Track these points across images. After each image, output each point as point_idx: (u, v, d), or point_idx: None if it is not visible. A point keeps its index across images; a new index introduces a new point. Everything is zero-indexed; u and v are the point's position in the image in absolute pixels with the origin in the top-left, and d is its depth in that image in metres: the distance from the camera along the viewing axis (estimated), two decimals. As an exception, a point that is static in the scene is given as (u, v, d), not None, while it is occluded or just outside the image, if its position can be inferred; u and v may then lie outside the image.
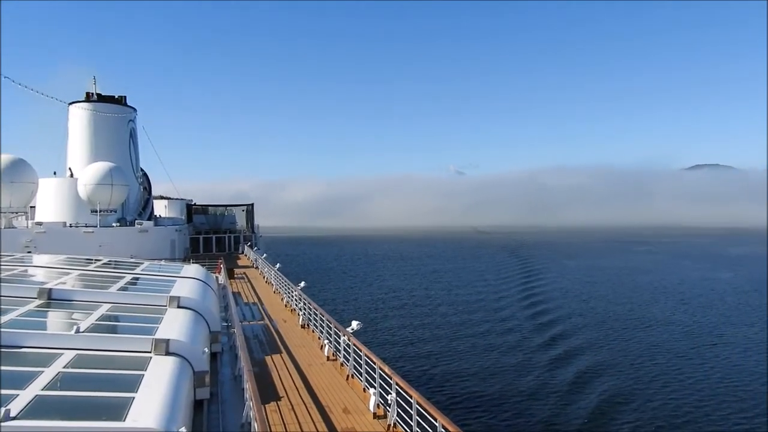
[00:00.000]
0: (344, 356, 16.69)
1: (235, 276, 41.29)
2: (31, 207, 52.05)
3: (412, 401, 11.20)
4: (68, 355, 9.63)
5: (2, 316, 11.29)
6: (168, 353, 10.59)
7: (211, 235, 68.41)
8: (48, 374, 8.49)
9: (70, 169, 54.36)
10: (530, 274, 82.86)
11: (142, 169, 60.78)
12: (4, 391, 7.35)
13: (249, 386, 10.54)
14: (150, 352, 10.51)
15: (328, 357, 18.21)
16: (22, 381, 7.96)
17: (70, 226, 48.99)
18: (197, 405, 11.38)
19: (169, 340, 10.87)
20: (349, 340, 16.19)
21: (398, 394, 12.02)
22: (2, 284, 14.39)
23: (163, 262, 29.54)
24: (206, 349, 12.54)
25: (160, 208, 66.14)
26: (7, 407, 6.71)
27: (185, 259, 48.68)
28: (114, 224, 50.39)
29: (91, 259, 24.23)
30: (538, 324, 46.30)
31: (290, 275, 33.64)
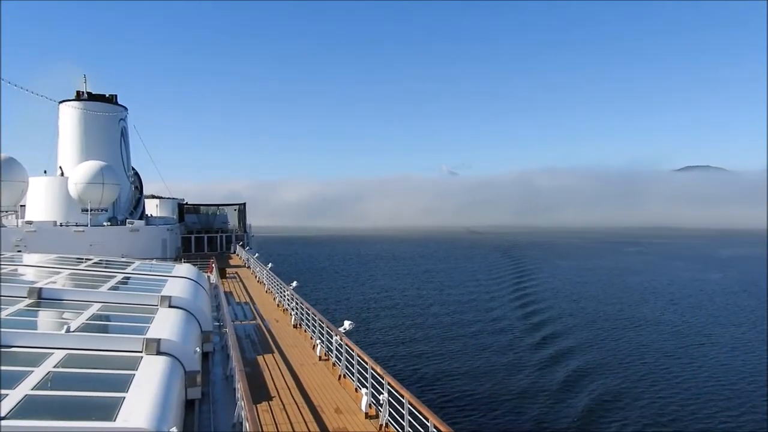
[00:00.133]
0: (336, 356, 16.69)
1: (227, 275, 41.17)
2: (21, 206, 51.65)
3: (404, 401, 11.23)
4: (58, 355, 9.58)
5: (-8, 316, 11.22)
6: (159, 353, 10.57)
7: (203, 234, 68.14)
8: (38, 374, 8.46)
9: (60, 167, 54.00)
10: (522, 274, 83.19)
11: (133, 168, 60.46)
12: (-7, 391, 7.31)
13: (240, 386, 10.53)
14: (141, 352, 10.48)
15: (320, 357, 18.20)
16: (11, 380, 7.92)
17: (61, 225, 48.67)
18: (188, 405, 11.35)
19: (160, 339, 10.85)
20: (341, 339, 16.19)
21: (390, 393, 12.03)
22: (-8, 283, 14.30)
23: (154, 262, 29.43)
24: (198, 349, 12.51)
25: (151, 208, 65.86)
26: (-3, 407, 6.69)
27: (177, 259, 48.47)
28: (105, 223, 50.10)
29: (82, 259, 24.11)
30: (529, 324, 46.50)
31: (282, 275, 33.59)
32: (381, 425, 12.24)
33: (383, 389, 12.21)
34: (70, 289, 15.88)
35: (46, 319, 13.16)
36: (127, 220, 52.05)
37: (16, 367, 8.76)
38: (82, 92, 55.48)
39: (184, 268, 23.58)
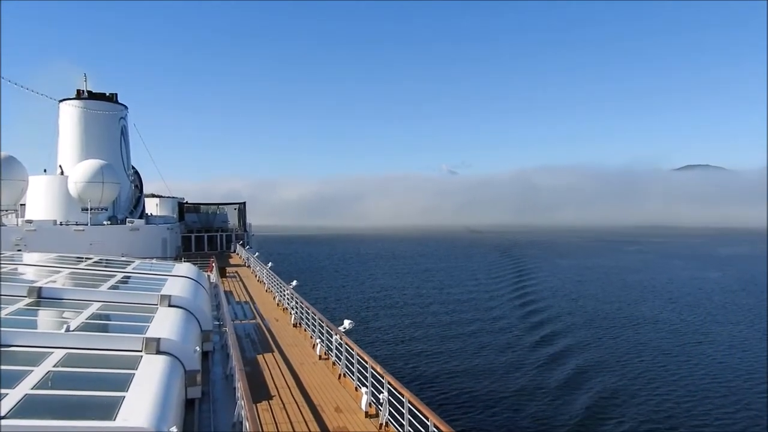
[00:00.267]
0: (336, 355, 16.69)
1: (227, 275, 41.15)
2: (21, 205, 51.63)
3: (403, 400, 11.22)
4: (58, 354, 9.58)
5: (-9, 315, 11.21)
6: (159, 352, 10.56)
7: (203, 233, 68.13)
8: (38, 373, 8.45)
9: (60, 166, 53.97)
10: (522, 273, 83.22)
11: (133, 167, 60.43)
12: (-7, 391, 7.31)
13: (240, 385, 10.52)
14: (141, 351, 10.48)
15: (320, 356, 18.19)
16: (11, 380, 7.92)
17: (61, 224, 48.67)
18: (188, 404, 11.35)
19: (160, 339, 10.84)
20: (341, 338, 16.18)
21: (390, 392, 12.03)
22: (-9, 282, 14.29)
23: (154, 261, 29.43)
24: (198, 348, 12.50)
25: (151, 207, 65.84)
26: (-3, 406, 6.68)
27: (177, 258, 48.47)
28: (105, 222, 50.09)
29: (82, 258, 24.10)
30: (528, 323, 46.54)
31: (282, 274, 33.58)
32: (381, 424, 12.24)
33: (383, 388, 12.20)
34: (70, 288, 15.88)
35: (45, 318, 13.16)
36: (127, 219, 52.03)
37: (15, 366, 8.75)
38: (83, 91, 55.45)
39: (184, 268, 23.58)
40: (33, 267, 20.20)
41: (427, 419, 10.03)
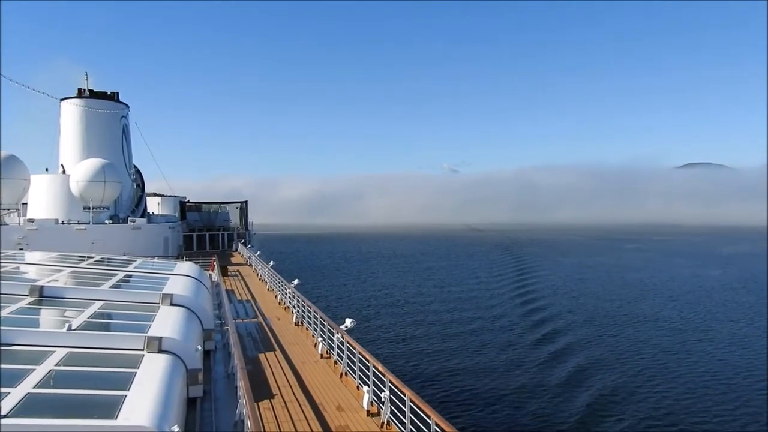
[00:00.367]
0: (338, 354, 16.70)
1: (229, 273, 41.17)
2: (23, 204, 51.70)
3: (405, 399, 11.23)
4: (60, 353, 9.59)
5: (-7, 314, 11.22)
6: (161, 351, 10.57)
7: (205, 232, 68.19)
8: (39, 372, 8.46)
9: (62, 165, 54.02)
10: (523, 271, 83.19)
11: (135, 166, 60.47)
12: (-5, 389, 7.31)
13: (242, 384, 10.52)
14: (142, 350, 10.48)
15: (321, 355, 18.20)
16: (13, 379, 7.92)
17: (63, 223, 48.73)
18: (190, 403, 11.35)
19: (161, 337, 10.85)
20: (342, 337, 16.18)
21: (391, 391, 12.04)
22: (-7, 281, 14.31)
23: (156, 260, 29.44)
24: (199, 347, 12.50)
25: (153, 206, 65.87)
26: (-1, 405, 6.69)
27: (178, 257, 48.53)
28: (107, 221, 50.15)
29: (84, 257, 24.12)
30: (529, 321, 46.54)
31: (284, 273, 33.58)
32: (383, 423, 12.24)
33: (385, 387, 12.21)
34: (72, 287, 15.89)
35: (47, 317, 13.17)
36: (129, 218, 52.09)
37: (17, 365, 8.76)
38: (84, 90, 55.47)
39: (186, 266, 23.59)
40: (35, 266, 20.22)
41: (429, 418, 10.03)
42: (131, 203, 56.78)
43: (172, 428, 7.47)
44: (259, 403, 13.13)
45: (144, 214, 57.80)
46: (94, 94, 55.58)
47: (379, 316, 49.33)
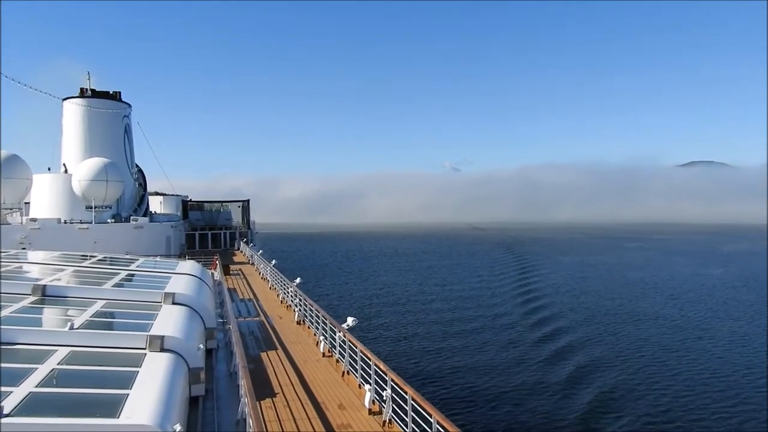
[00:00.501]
0: (340, 352, 16.71)
1: (231, 272, 41.21)
2: (25, 203, 51.81)
3: (407, 397, 11.24)
4: (62, 352, 9.61)
5: (-4, 313, 11.25)
6: (163, 350, 10.59)
7: (207, 231, 68.23)
8: (42, 371, 8.48)
9: (64, 164, 54.12)
10: (524, 270, 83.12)
11: (137, 165, 60.56)
12: (-2, 388, 7.34)
13: (244, 383, 10.54)
14: (145, 349, 10.51)
15: (323, 353, 18.21)
16: (16, 378, 7.95)
17: (65, 223, 48.83)
18: (192, 401, 11.37)
19: (164, 336, 10.87)
20: (344, 336, 16.20)
21: (393, 390, 12.04)
22: (-4, 281, 14.34)
23: (158, 259, 29.50)
24: (201, 346, 12.54)
25: (155, 205, 65.97)
26: (1, 404, 6.71)
27: (181, 256, 48.59)
28: (109, 220, 50.24)
29: (86, 256, 24.17)
30: (531, 319, 46.54)
31: (286, 271, 33.61)
32: (384, 421, 12.26)
33: (386, 385, 12.22)
34: (74, 286, 15.93)
35: (50, 316, 13.21)
36: (131, 217, 52.17)
37: (20, 364, 8.79)
38: (86, 89, 55.55)
39: (188, 265, 23.61)
40: (37, 265, 20.26)
41: (431, 416, 10.04)
42: (133, 202, 56.87)
43: (174, 427, 7.49)
44: (261, 402, 13.15)
45: (146, 213, 57.90)
46: (96, 94, 55.67)
47: (380, 315, 49.35)
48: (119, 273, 19.37)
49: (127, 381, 8.57)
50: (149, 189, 64.69)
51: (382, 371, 12.71)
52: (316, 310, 20.41)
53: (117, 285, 16.93)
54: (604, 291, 62.65)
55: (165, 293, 15.23)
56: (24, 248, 39.25)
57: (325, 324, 18.77)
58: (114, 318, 13.40)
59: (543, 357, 35.17)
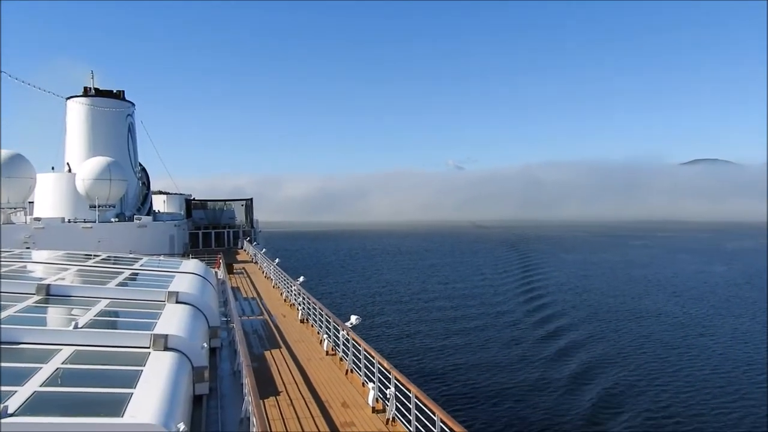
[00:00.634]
0: (343, 351, 16.71)
1: (234, 271, 41.25)
2: (29, 202, 51.98)
3: (410, 395, 11.22)
4: (67, 351, 9.63)
5: (1, 312, 11.28)
6: (167, 349, 10.61)
7: (210, 230, 68.32)
8: (46, 370, 8.50)
9: (68, 164, 54.26)
10: (528, 268, 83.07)
11: (140, 164, 60.67)
12: (2, 388, 7.36)
13: (248, 381, 10.54)
14: (149, 348, 10.52)
15: (327, 351, 18.22)
16: (20, 377, 7.97)
17: (69, 222, 48.96)
18: (196, 400, 11.39)
19: (167, 335, 10.88)
20: (348, 334, 16.20)
21: (397, 388, 12.04)
22: (1, 280, 14.38)
23: (162, 258, 29.56)
24: (205, 345, 12.55)
25: (158, 204, 66.10)
26: (6, 403, 6.73)
27: (184, 255, 48.69)
28: (113, 219, 50.35)
29: (90, 255, 24.22)
30: (534, 317, 46.56)
31: (289, 270, 33.64)
32: (388, 419, 12.25)
33: (390, 383, 12.21)
34: (78, 285, 15.97)
35: (54, 315, 13.24)
36: (135, 216, 52.27)
37: (24, 363, 8.81)
38: (90, 88, 55.65)
39: (192, 264, 23.65)
40: (41, 264, 20.31)
41: (434, 414, 10.03)
42: (137, 201, 56.99)
43: (179, 426, 7.50)
44: (265, 400, 13.15)
45: (150, 212, 58.04)
46: (99, 93, 55.79)
47: (383, 313, 49.40)
48: (123, 272, 19.41)
49: (131, 380, 8.58)
50: (153, 188, 64.84)
51: (386, 369, 12.71)
52: (320, 308, 20.41)
53: (121, 284, 16.96)
54: (607, 288, 62.65)
55: (168, 292, 15.24)
56: (28, 247, 39.42)
57: (329, 322, 18.77)
58: (118, 317, 13.43)
59: (546, 354, 35.22)
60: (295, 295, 26.45)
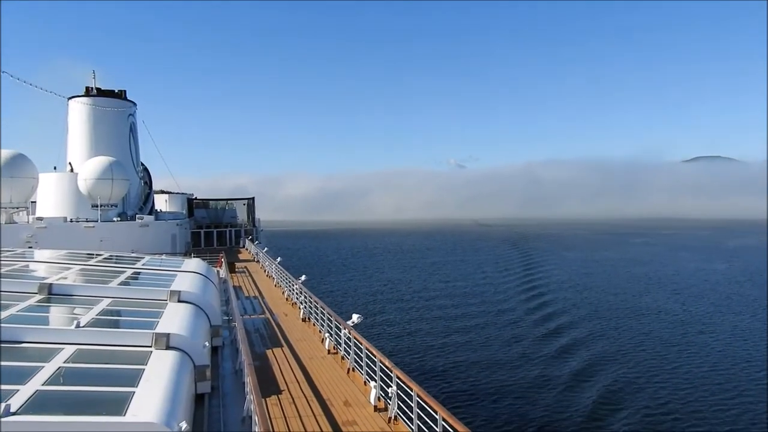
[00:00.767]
0: (345, 349, 16.73)
1: (236, 270, 41.30)
2: (31, 202, 52.04)
3: (412, 394, 11.23)
4: (69, 350, 9.64)
5: (3, 311, 11.30)
6: (168, 347, 10.62)
7: (212, 229, 68.39)
8: (48, 369, 8.51)
9: (70, 163, 54.34)
10: (529, 266, 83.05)
11: (142, 164, 60.73)
12: (4, 387, 7.37)
13: (250, 380, 10.55)
14: (150, 347, 10.54)
15: (328, 350, 18.24)
16: (22, 376, 7.98)
17: (71, 221, 49.03)
18: (198, 399, 11.41)
19: (169, 334, 10.89)
20: (349, 333, 16.21)
21: (399, 387, 12.05)
22: (3, 279, 14.41)
23: (164, 257, 29.58)
24: (207, 343, 12.55)
25: (161, 203, 66.17)
26: (8, 402, 6.74)
27: (186, 254, 48.73)
28: (115, 219, 50.39)
29: (92, 254, 24.25)
30: (535, 316, 46.55)
31: (291, 269, 33.66)
32: (390, 418, 12.27)
33: (392, 382, 12.22)
34: (81, 284, 15.98)
35: (56, 314, 13.26)
36: (137, 216, 52.32)
37: (26, 362, 8.83)
38: (92, 88, 55.71)
39: (194, 263, 23.67)
40: (44, 264, 20.35)
41: (436, 413, 10.04)
42: (139, 201, 57.05)
43: (180, 424, 7.50)
44: (267, 399, 13.17)
45: (152, 211, 58.10)
46: (101, 93, 55.85)
47: (385, 312, 49.42)
48: (125, 271, 19.43)
49: (133, 379, 8.60)
50: (154, 187, 64.90)
51: (388, 368, 12.71)
52: (322, 307, 20.43)
53: (123, 283, 16.98)
54: (608, 286, 62.67)
55: (171, 291, 15.26)
56: (30, 247, 39.49)
57: (331, 321, 18.79)
58: (120, 316, 13.45)
59: (547, 352, 35.27)
60: (296, 293, 26.48)
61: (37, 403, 7.10)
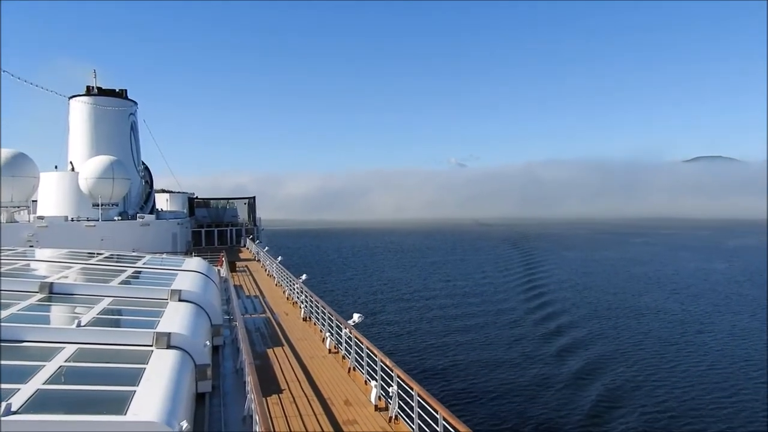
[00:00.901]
0: (346, 349, 16.73)
1: (237, 269, 41.33)
2: (32, 201, 52.07)
3: (413, 393, 11.23)
4: (69, 349, 9.65)
5: (3, 311, 11.31)
6: (169, 347, 10.63)
7: (213, 228, 68.41)
8: (49, 368, 8.52)
9: (71, 162, 54.37)
10: (529, 265, 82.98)
11: (143, 163, 60.76)
12: (5, 386, 7.38)
13: (250, 379, 10.56)
14: (151, 346, 10.54)
15: (329, 350, 18.24)
16: (23, 375, 7.99)
17: (72, 220, 49.06)
18: (199, 398, 11.42)
19: (170, 333, 10.90)
20: (350, 332, 16.22)
21: (399, 386, 12.05)
22: (4, 278, 14.42)
23: (164, 256, 29.61)
24: (208, 343, 12.56)
25: (161, 202, 66.18)
26: (9, 401, 6.75)
27: (187, 253, 48.75)
28: (116, 218, 50.43)
29: (93, 253, 24.27)
30: (535, 315, 46.55)
31: (292, 268, 33.66)
32: (390, 417, 12.27)
33: (392, 381, 12.22)
34: (81, 283, 16.00)
35: (57, 313, 13.26)
36: (138, 215, 52.33)
37: (27, 361, 8.84)
38: (92, 87, 55.73)
39: (195, 262, 23.68)
40: (44, 263, 20.35)
41: (437, 412, 10.04)
42: (140, 200, 57.09)
43: (181, 423, 7.50)
44: (268, 398, 13.18)
45: (153, 210, 58.10)
46: (102, 92, 55.87)
47: (386, 311, 49.43)
48: (126, 270, 19.44)
49: (134, 378, 8.60)
50: (155, 186, 64.91)
51: (388, 367, 12.71)
52: (322, 306, 20.43)
53: (124, 282, 16.99)
54: (608, 286, 62.66)
55: (171, 290, 15.27)
56: (31, 246, 39.49)
57: (331, 320, 18.79)
58: (121, 315, 13.46)
59: (547, 351, 35.32)
60: (297, 293, 26.49)
61: (38, 403, 7.11)
